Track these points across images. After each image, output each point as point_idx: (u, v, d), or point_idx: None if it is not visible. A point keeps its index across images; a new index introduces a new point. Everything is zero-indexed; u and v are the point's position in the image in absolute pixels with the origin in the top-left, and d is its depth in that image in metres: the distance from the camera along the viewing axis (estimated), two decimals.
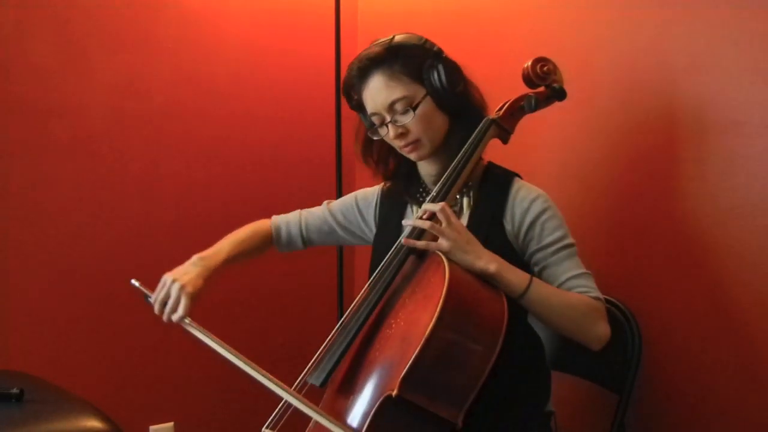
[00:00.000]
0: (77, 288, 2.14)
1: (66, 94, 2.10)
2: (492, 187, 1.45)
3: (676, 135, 1.62)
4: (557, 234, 1.40)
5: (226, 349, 1.30)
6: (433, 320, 1.16)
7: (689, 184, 1.60)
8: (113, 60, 2.16)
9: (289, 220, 1.69)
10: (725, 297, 1.54)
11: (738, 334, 1.52)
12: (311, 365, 1.35)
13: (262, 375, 1.26)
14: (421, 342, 1.15)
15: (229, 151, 2.37)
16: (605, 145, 1.79)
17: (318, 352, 1.36)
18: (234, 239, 1.60)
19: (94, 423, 1.32)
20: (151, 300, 1.43)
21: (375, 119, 1.45)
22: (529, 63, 1.48)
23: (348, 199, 1.67)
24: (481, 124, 1.44)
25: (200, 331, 1.35)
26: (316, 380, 1.30)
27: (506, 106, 1.48)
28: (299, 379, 1.35)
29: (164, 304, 1.41)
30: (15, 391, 1.37)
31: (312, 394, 1.33)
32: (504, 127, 1.46)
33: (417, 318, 1.22)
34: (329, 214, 1.66)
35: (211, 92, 2.32)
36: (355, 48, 2.43)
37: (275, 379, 1.25)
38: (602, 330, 1.36)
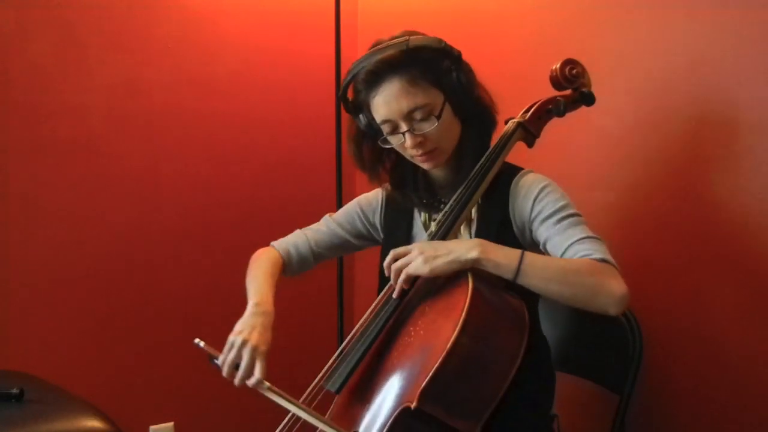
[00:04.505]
0: (77, 288, 2.14)
1: (66, 94, 2.10)
2: (497, 188, 1.38)
3: (677, 135, 1.62)
4: (559, 204, 1.31)
5: (309, 413, 1.21)
6: (456, 331, 1.12)
7: (691, 184, 1.60)
8: (113, 60, 2.16)
9: (296, 243, 1.58)
10: (726, 297, 1.54)
11: (738, 334, 1.52)
12: (326, 370, 1.32)
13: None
14: (443, 353, 1.11)
15: (228, 152, 2.36)
16: (606, 144, 1.79)
17: (333, 357, 1.33)
18: (264, 274, 1.48)
19: (94, 423, 1.32)
20: (218, 362, 1.29)
21: (386, 127, 1.35)
22: (558, 65, 1.43)
23: (350, 208, 1.60)
24: (506, 128, 1.40)
25: (280, 396, 1.23)
26: (332, 386, 1.27)
27: (533, 108, 1.43)
28: (314, 383, 1.32)
29: (236, 366, 1.27)
30: (15, 391, 1.36)
31: (322, 399, 1.33)
32: (530, 131, 1.42)
33: (438, 327, 1.18)
34: (336, 225, 1.58)
35: (210, 92, 2.32)
36: (355, 48, 2.43)
37: None
38: (615, 288, 1.19)
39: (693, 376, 1.60)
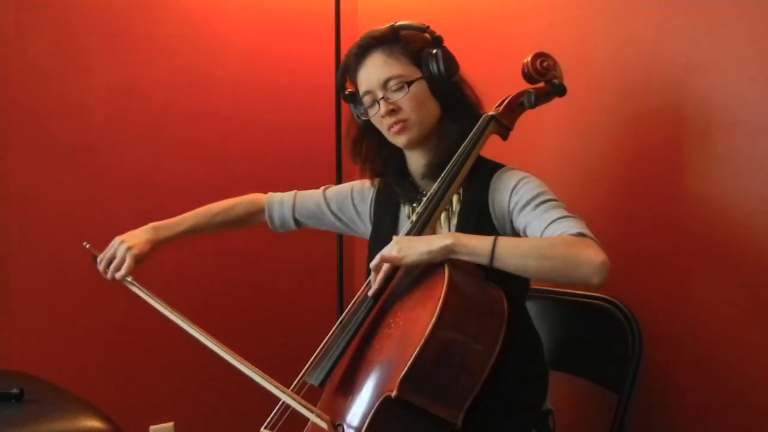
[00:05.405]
0: (77, 288, 2.14)
1: (66, 94, 2.10)
2: (478, 183, 1.43)
3: (678, 133, 1.62)
4: (535, 192, 1.35)
5: (168, 310, 1.40)
6: (433, 319, 1.15)
7: (691, 182, 1.60)
8: (113, 60, 2.16)
9: (283, 201, 1.68)
10: (725, 296, 1.54)
11: (738, 333, 1.52)
12: (310, 364, 1.35)
13: (214, 343, 1.34)
14: (421, 342, 1.14)
15: (228, 152, 2.37)
16: (606, 143, 1.79)
17: (316, 351, 1.36)
18: (207, 211, 1.65)
19: (94, 423, 1.32)
20: (98, 260, 1.52)
21: (367, 99, 1.44)
22: (529, 58, 1.47)
23: (344, 189, 1.66)
24: (480, 121, 1.43)
25: (141, 291, 1.46)
26: (315, 380, 1.30)
27: (506, 102, 1.47)
28: (298, 378, 1.35)
29: (110, 263, 1.51)
30: (15, 391, 1.36)
31: (310, 394, 1.34)
32: (503, 123, 1.45)
33: (416, 317, 1.21)
34: (324, 200, 1.65)
35: (210, 93, 2.32)
36: None
37: (232, 352, 1.32)
38: (593, 256, 1.18)
39: (692, 376, 1.60)
